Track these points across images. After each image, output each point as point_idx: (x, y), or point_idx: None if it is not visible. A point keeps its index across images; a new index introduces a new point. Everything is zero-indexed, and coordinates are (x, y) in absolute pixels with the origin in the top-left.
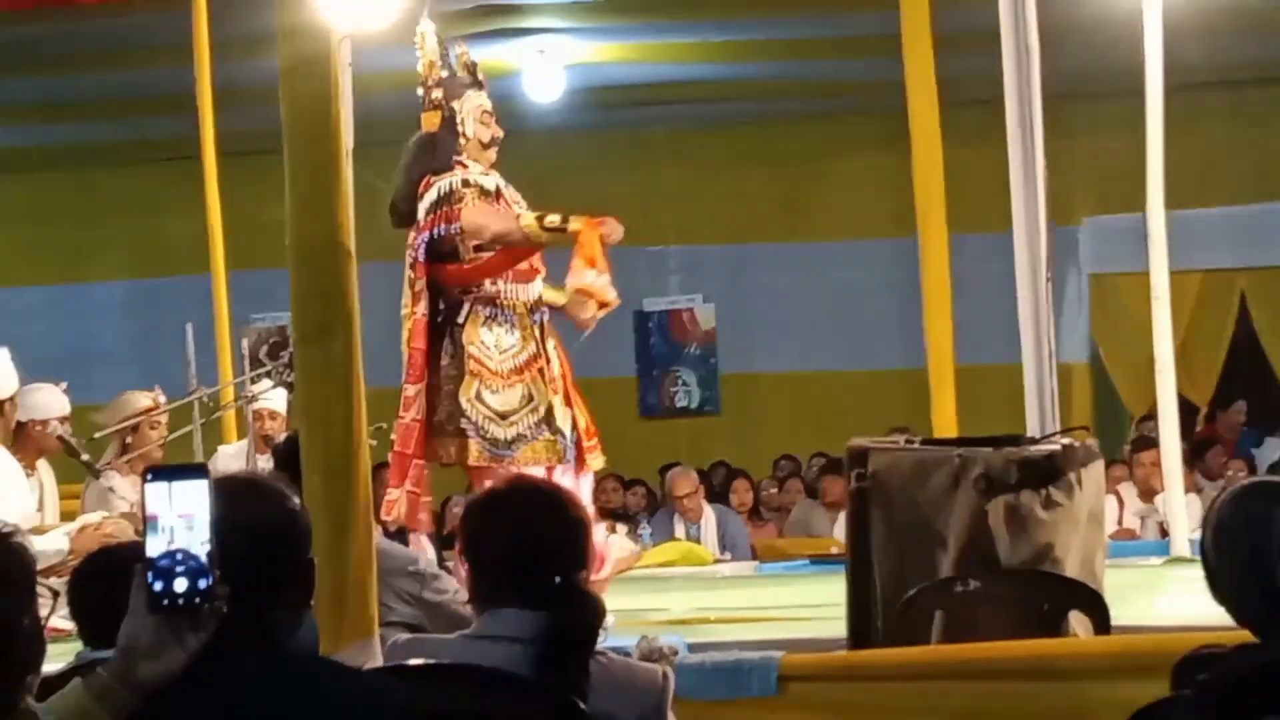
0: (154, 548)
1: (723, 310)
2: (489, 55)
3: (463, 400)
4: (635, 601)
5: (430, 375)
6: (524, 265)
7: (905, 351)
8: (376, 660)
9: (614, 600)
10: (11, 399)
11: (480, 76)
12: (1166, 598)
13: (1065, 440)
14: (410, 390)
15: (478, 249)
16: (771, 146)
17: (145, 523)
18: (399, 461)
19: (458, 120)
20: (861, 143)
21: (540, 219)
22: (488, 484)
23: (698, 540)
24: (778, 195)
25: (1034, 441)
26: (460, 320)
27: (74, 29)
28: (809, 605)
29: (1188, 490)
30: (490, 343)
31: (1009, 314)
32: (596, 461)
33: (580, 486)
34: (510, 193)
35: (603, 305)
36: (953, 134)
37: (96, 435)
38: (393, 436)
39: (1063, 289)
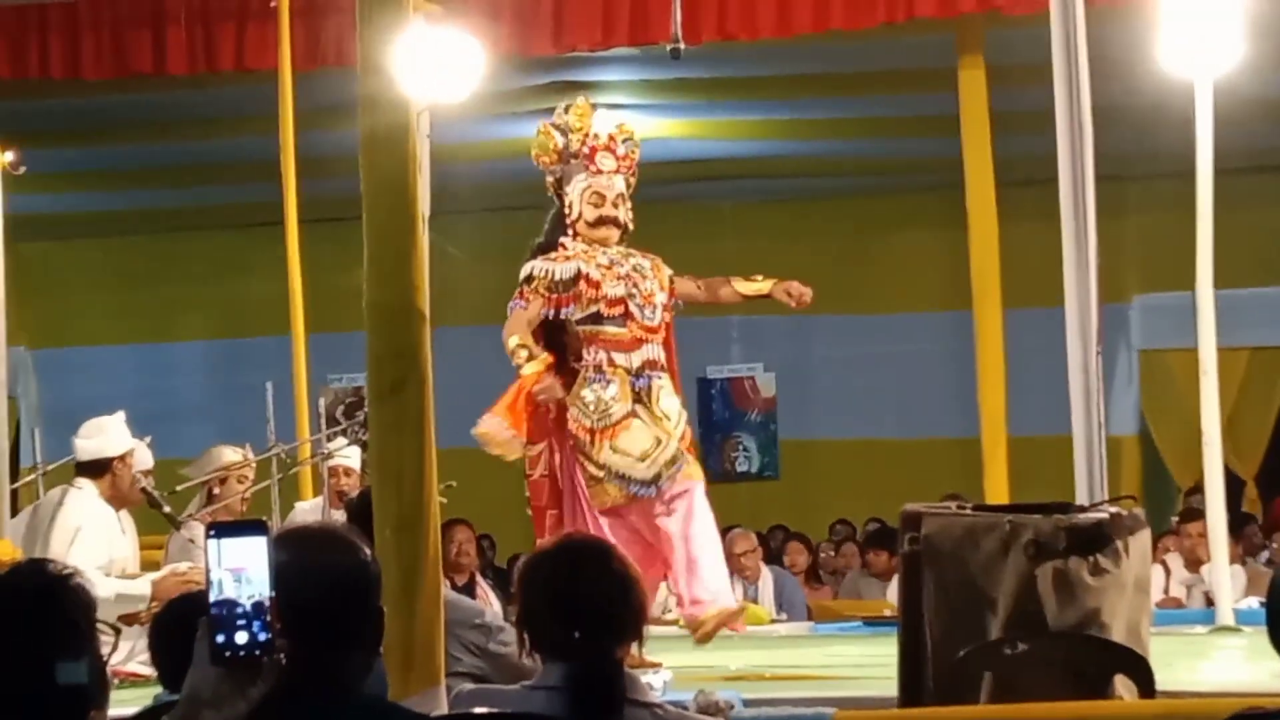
0: (217, 602)
1: (783, 378)
2: None
3: (603, 456)
4: (694, 658)
5: (556, 433)
6: (626, 336)
7: (960, 421)
8: (442, 708)
9: (674, 657)
10: (123, 457)
11: (599, 157)
12: (1211, 664)
13: (1113, 509)
14: (533, 450)
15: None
16: (832, 221)
17: (208, 578)
18: (536, 516)
19: (566, 204)
20: (920, 219)
21: (519, 347)
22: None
23: (755, 600)
24: (838, 268)
25: (1083, 510)
26: (574, 384)
27: (164, 98)
28: (862, 665)
29: (1233, 561)
30: (590, 400)
31: (1061, 387)
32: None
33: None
34: (613, 270)
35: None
36: (1008, 211)
37: (179, 488)
38: (526, 494)
39: (1114, 364)
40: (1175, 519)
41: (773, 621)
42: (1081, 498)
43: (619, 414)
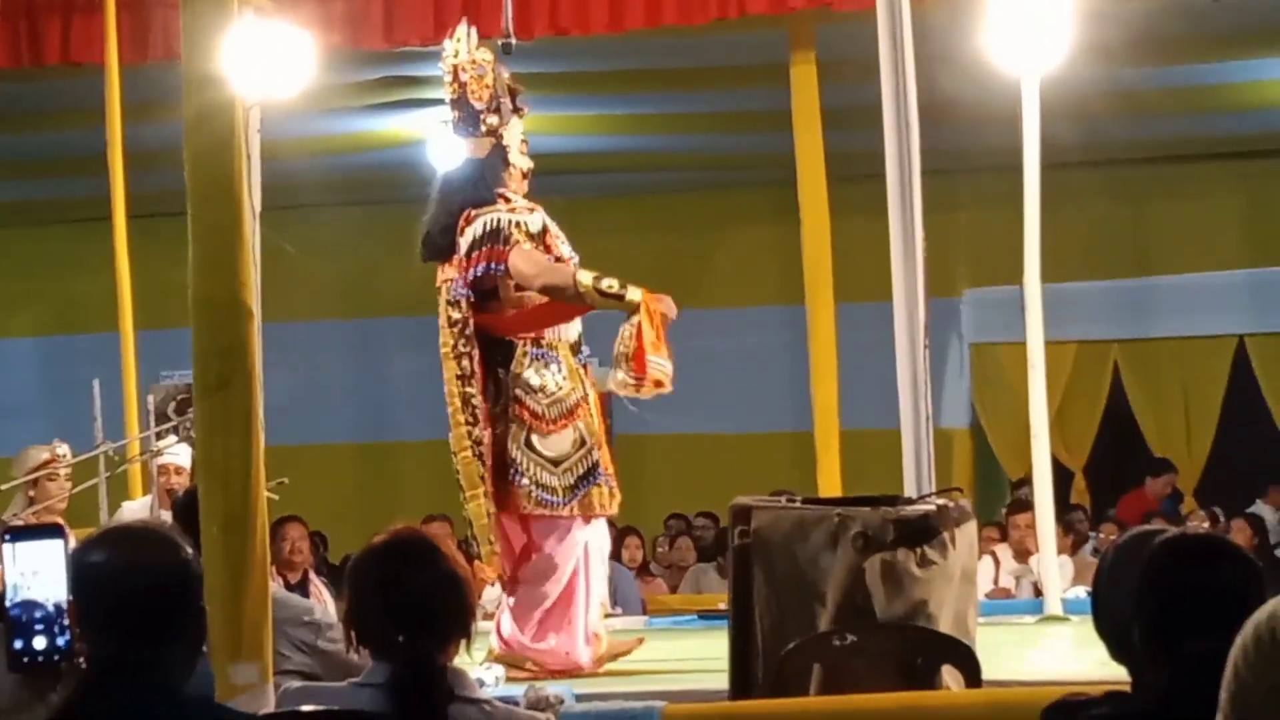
0: (14, 607)
1: None
2: (393, 124)
3: (512, 448)
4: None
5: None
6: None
7: (793, 415)
8: (269, 707)
9: None
10: None
11: (520, 103)
12: (1038, 654)
13: (940, 501)
14: (488, 437)
15: (518, 290)
16: (666, 216)
17: (6, 585)
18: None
19: (506, 148)
20: (752, 214)
21: (597, 280)
22: (546, 536)
23: None
24: (671, 263)
25: (910, 502)
26: (507, 363)
27: None
28: (694, 658)
29: (1062, 552)
30: (537, 386)
31: (892, 381)
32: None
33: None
34: (555, 228)
35: (657, 385)
36: (840, 206)
37: (3, 487)
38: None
39: (945, 357)
40: (1004, 510)
41: (607, 616)
42: (910, 490)
43: (574, 399)
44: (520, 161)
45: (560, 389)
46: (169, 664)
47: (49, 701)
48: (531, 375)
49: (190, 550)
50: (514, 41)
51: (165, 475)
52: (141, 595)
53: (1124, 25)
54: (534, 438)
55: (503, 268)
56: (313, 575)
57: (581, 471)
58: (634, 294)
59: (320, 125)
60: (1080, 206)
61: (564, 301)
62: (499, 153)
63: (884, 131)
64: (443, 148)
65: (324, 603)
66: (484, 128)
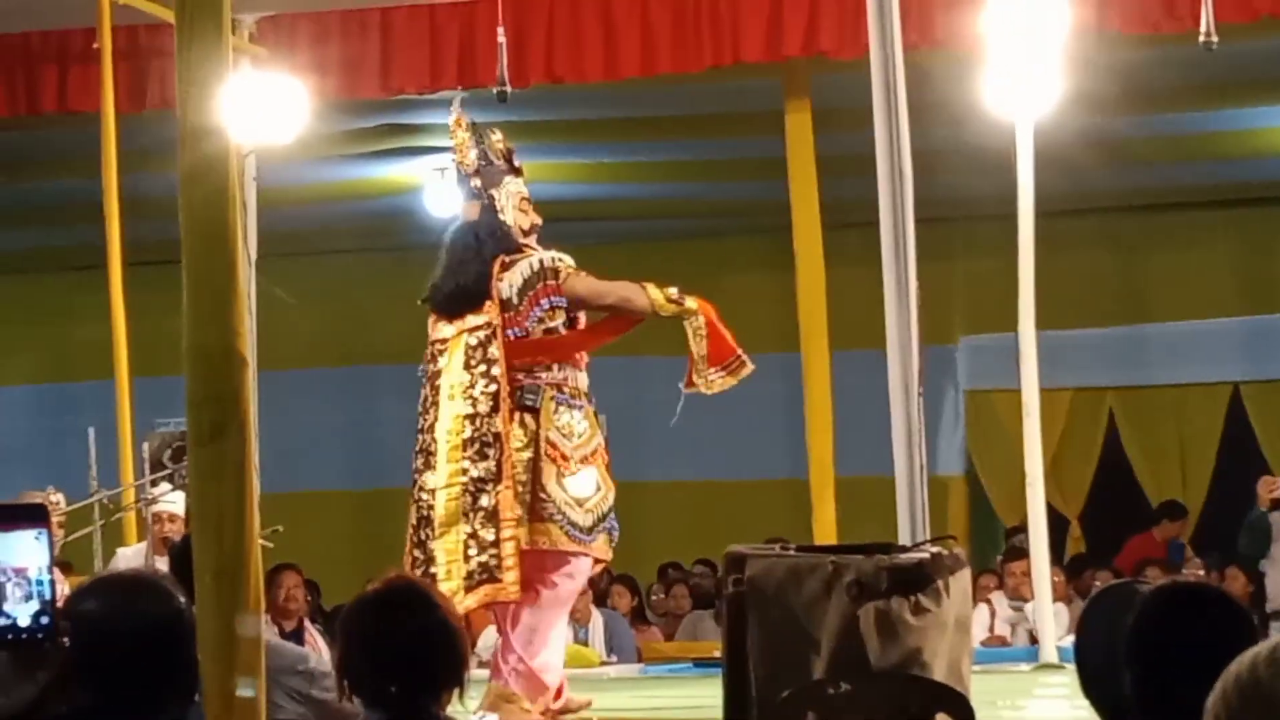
0: None
1: (615, 420)
2: (392, 171)
3: (549, 486)
4: (523, 701)
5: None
6: (578, 353)
7: (789, 463)
8: None
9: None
10: None
11: (517, 163)
12: (1033, 702)
13: (934, 549)
14: (512, 477)
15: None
16: (661, 264)
17: None
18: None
19: (497, 208)
20: (748, 262)
21: (660, 289)
22: (559, 570)
23: (586, 642)
24: None
25: (904, 550)
26: (534, 405)
27: None
28: (690, 706)
29: (1057, 599)
30: (566, 430)
31: (887, 428)
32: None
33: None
34: None
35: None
36: (835, 254)
37: None
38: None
39: (940, 405)
40: (1000, 557)
41: (603, 664)
42: (904, 538)
43: (594, 444)
44: (518, 220)
45: (584, 433)
46: (161, 713)
47: (36, 679)
48: (561, 419)
49: (183, 599)
50: (509, 90)
51: (160, 523)
52: (134, 644)
53: (1116, 74)
54: (564, 478)
55: (562, 299)
56: (307, 623)
57: (600, 513)
58: (691, 302)
59: (316, 173)
60: (1075, 254)
61: (628, 315)
62: (490, 213)
63: (878, 179)
64: (438, 195)
65: (319, 651)
66: (467, 191)
